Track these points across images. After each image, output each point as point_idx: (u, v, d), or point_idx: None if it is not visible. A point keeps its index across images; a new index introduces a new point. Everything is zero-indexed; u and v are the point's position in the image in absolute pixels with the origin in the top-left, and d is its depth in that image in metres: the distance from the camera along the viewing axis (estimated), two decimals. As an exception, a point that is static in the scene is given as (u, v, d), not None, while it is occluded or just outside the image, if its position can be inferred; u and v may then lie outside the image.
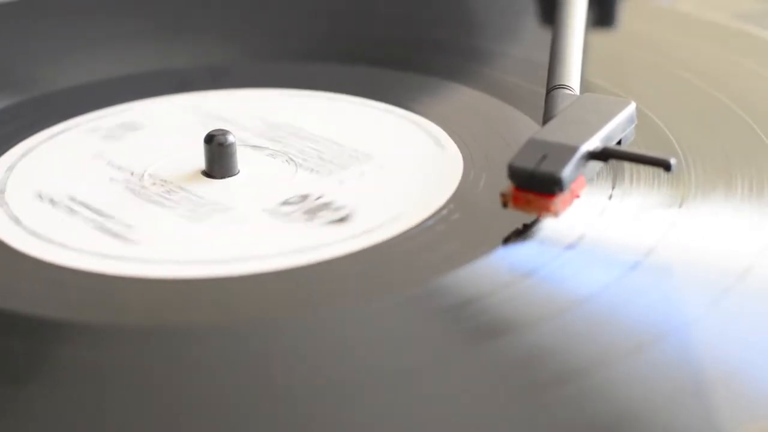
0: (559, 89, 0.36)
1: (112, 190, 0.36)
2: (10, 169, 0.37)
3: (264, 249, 0.32)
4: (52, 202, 0.35)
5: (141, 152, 0.38)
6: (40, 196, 0.36)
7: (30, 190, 0.36)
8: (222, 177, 0.36)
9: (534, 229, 0.32)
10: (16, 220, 0.34)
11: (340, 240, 0.32)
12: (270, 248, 0.32)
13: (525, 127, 0.37)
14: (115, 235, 0.33)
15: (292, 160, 0.37)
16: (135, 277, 0.31)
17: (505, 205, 0.32)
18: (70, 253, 0.32)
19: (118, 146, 0.38)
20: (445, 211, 0.34)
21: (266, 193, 0.35)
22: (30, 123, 0.40)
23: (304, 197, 0.35)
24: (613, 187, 0.34)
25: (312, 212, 0.34)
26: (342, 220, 0.34)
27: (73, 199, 0.35)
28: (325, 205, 0.34)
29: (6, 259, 0.33)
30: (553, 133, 0.33)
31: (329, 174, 0.36)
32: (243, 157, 0.37)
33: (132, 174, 0.37)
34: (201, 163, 0.36)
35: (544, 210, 0.31)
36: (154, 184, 0.36)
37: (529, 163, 0.31)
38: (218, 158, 0.36)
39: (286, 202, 0.35)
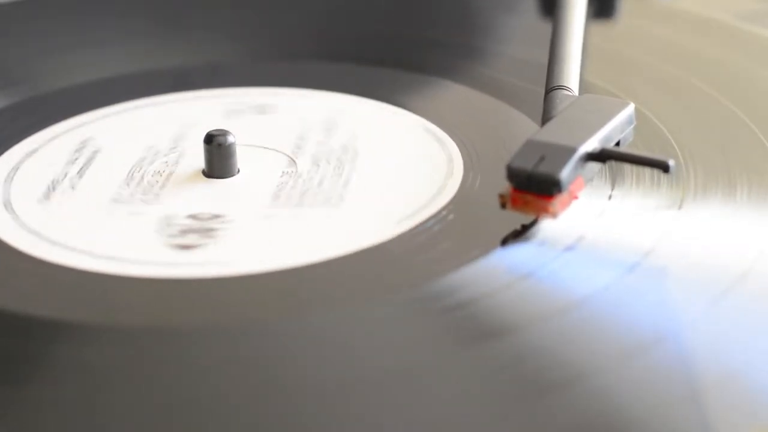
0: (557, 90, 0.36)
1: (112, 191, 0.36)
2: (14, 168, 0.37)
3: (262, 249, 0.32)
4: (52, 201, 0.35)
5: (141, 152, 0.38)
6: (42, 196, 0.36)
7: (32, 189, 0.36)
8: (221, 177, 0.36)
9: (532, 230, 0.32)
10: (18, 220, 0.34)
11: (338, 241, 0.32)
12: (268, 248, 0.32)
13: (524, 128, 0.37)
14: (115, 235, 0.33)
15: (291, 159, 0.37)
16: (135, 277, 0.31)
17: (503, 206, 0.32)
18: (70, 253, 0.33)
19: (119, 146, 0.38)
20: (444, 212, 0.33)
21: (265, 194, 0.35)
22: (31, 123, 0.40)
23: (303, 197, 0.35)
24: (613, 188, 0.34)
25: (312, 212, 0.34)
26: (341, 220, 0.34)
27: (72, 199, 0.35)
28: (325, 205, 0.34)
29: (6, 259, 0.33)
30: (551, 134, 0.32)
31: (328, 174, 0.36)
32: (243, 157, 0.37)
33: (133, 174, 0.37)
34: (201, 162, 0.36)
35: (542, 211, 0.31)
36: (154, 183, 0.36)
37: (527, 164, 0.31)
38: (218, 158, 0.36)
39: (285, 203, 0.35)
